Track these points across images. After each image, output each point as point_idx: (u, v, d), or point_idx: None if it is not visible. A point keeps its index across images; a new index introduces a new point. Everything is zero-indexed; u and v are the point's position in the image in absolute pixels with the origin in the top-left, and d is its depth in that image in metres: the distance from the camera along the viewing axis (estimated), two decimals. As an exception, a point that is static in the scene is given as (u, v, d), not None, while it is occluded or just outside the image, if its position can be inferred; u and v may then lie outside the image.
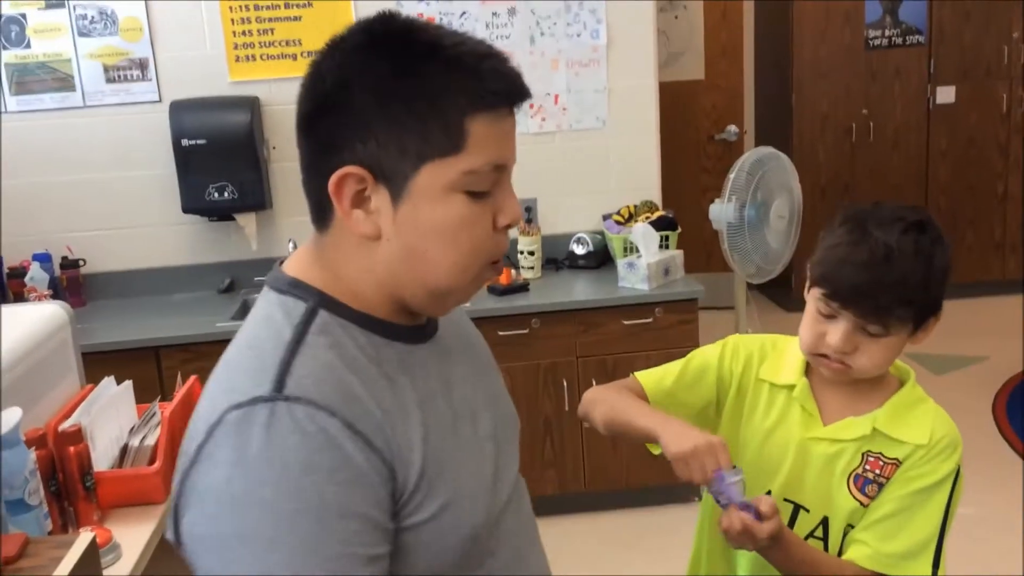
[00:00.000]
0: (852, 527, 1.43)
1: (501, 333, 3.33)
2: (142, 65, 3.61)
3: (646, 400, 1.53)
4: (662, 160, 3.96)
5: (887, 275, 1.31)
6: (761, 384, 1.52)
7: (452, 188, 0.96)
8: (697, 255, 4.55)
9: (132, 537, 1.74)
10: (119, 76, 3.62)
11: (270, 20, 3.62)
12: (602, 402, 1.54)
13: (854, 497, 1.42)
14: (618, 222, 3.74)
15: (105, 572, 1.58)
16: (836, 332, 1.36)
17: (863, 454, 1.42)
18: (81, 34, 3.57)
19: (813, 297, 1.40)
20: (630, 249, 3.59)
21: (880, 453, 1.41)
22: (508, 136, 1.00)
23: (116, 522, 1.79)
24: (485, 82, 0.96)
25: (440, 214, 0.97)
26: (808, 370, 1.49)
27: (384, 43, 0.96)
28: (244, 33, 3.62)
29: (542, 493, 3.40)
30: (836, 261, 1.35)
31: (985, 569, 3.06)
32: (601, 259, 3.77)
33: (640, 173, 3.90)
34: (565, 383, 3.43)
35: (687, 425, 1.37)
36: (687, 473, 1.32)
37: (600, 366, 3.43)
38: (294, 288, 1.02)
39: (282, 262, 1.07)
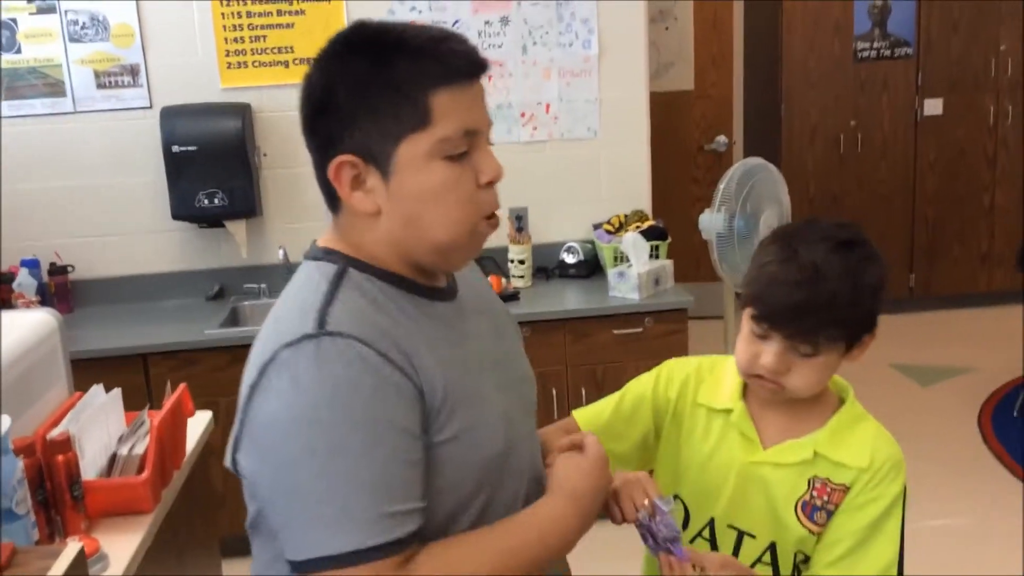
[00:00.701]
0: (803, 554, 1.41)
1: (491, 342, 3.33)
2: (133, 71, 3.61)
3: None
4: (653, 170, 3.98)
5: (814, 296, 1.29)
6: (698, 408, 1.50)
7: (430, 156, 1.11)
8: (687, 265, 4.55)
9: (120, 547, 1.73)
10: (110, 82, 3.61)
11: (262, 27, 3.62)
12: None
13: (803, 525, 1.39)
14: (608, 231, 3.74)
15: (93, 582, 1.57)
16: (769, 353, 1.34)
17: (809, 480, 1.39)
18: (72, 39, 3.56)
19: (746, 317, 1.38)
20: (620, 258, 3.60)
21: (827, 479, 1.39)
22: (474, 103, 1.14)
23: (104, 531, 1.78)
24: (442, 61, 1.11)
25: (424, 180, 1.12)
26: (746, 393, 1.47)
27: (358, 46, 1.13)
28: (236, 40, 3.62)
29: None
30: (765, 282, 1.34)
31: (971, 580, 3.08)
32: (591, 268, 3.78)
33: (631, 183, 3.92)
34: (555, 392, 3.43)
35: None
36: (617, 511, 1.31)
37: (590, 375, 3.44)
38: (327, 255, 1.19)
39: (315, 241, 1.24)
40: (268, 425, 1.07)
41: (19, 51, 3.54)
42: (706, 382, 1.51)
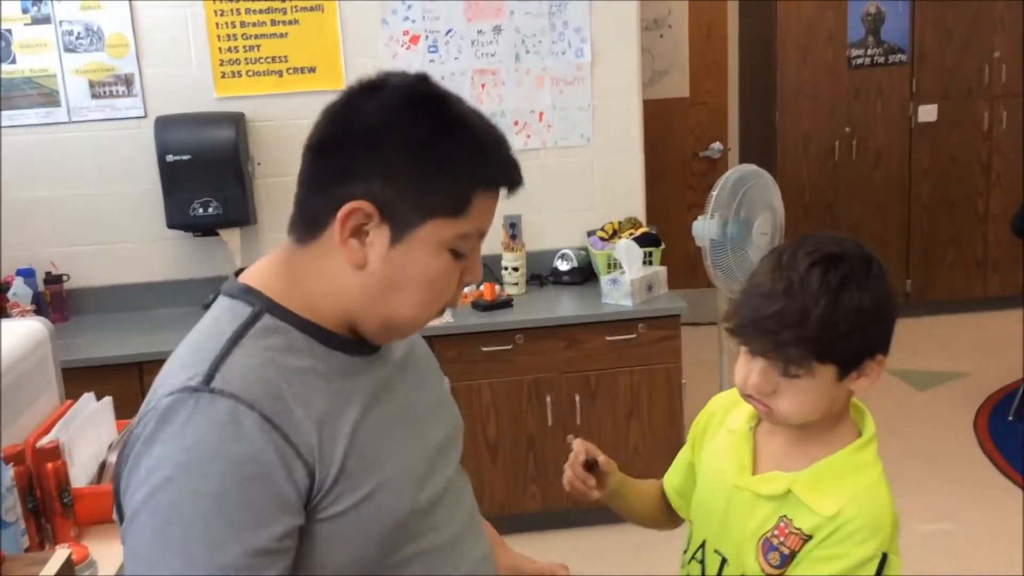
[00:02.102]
0: None
1: (485, 349, 3.34)
2: (127, 81, 3.62)
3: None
4: (647, 177, 3.99)
5: (784, 312, 1.22)
6: (722, 432, 1.47)
7: (444, 245, 1.10)
8: (682, 271, 4.57)
9: (109, 554, 1.73)
10: (104, 92, 3.62)
11: (256, 37, 3.63)
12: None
13: (758, 561, 1.32)
14: (602, 238, 3.75)
15: (82, 589, 1.58)
16: (755, 371, 1.28)
17: (780, 517, 1.31)
18: (67, 50, 3.58)
19: None
20: (614, 265, 3.61)
21: (790, 520, 1.30)
22: (494, 210, 1.15)
23: (94, 539, 1.79)
24: (495, 165, 1.12)
25: (427, 264, 1.10)
26: (759, 417, 1.40)
27: (425, 104, 1.09)
28: (230, 49, 3.63)
29: (525, 509, 3.40)
30: (744, 295, 1.29)
31: (965, 585, 3.08)
32: (585, 275, 3.79)
33: (624, 190, 3.93)
34: (549, 399, 3.43)
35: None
36: None
37: (583, 382, 3.44)
38: (244, 294, 1.12)
39: (239, 272, 1.19)
40: (132, 476, 1.02)
41: (14, 61, 3.55)
42: (736, 408, 1.47)
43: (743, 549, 1.35)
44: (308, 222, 1.10)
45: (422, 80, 1.11)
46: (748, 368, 1.30)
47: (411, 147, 1.06)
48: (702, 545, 1.43)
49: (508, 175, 1.13)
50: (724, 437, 1.46)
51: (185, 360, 1.06)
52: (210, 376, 1.02)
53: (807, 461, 1.33)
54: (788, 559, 1.30)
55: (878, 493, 1.31)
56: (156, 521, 0.98)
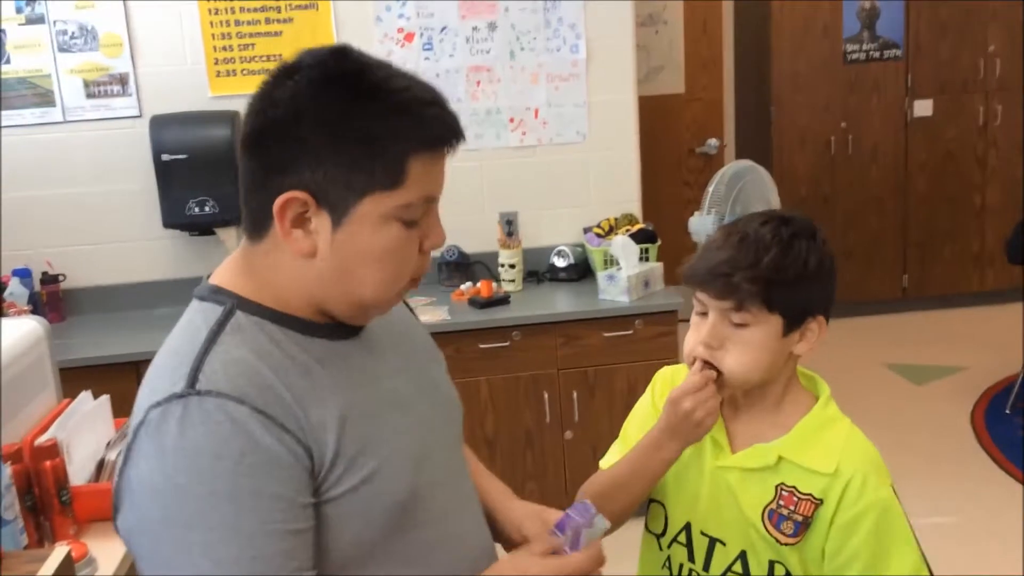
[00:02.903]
0: (778, 563, 1.36)
1: (482, 346, 3.34)
2: (122, 80, 3.62)
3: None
4: (643, 173, 3.99)
5: (739, 255, 1.31)
6: None
7: (388, 217, 1.06)
8: (678, 267, 4.57)
9: (108, 551, 1.74)
10: (99, 91, 3.62)
11: (250, 35, 3.63)
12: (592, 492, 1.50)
13: (770, 533, 1.35)
14: (598, 235, 3.76)
15: (80, 586, 1.58)
16: (704, 326, 1.35)
17: (776, 487, 1.35)
18: (61, 50, 3.57)
19: (694, 303, 1.40)
20: (610, 262, 3.61)
21: (794, 488, 1.34)
22: (441, 172, 1.11)
23: (93, 536, 1.79)
24: (427, 127, 1.07)
25: (375, 240, 1.06)
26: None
27: (338, 80, 1.04)
28: (224, 48, 3.63)
29: (524, 505, 3.40)
30: (699, 254, 1.38)
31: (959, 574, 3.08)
32: (582, 272, 3.79)
33: (620, 186, 3.93)
34: (546, 395, 3.44)
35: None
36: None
37: (581, 378, 3.45)
38: (214, 294, 1.12)
39: (210, 275, 1.17)
40: (135, 491, 1.01)
41: (8, 61, 3.55)
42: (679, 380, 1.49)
43: (742, 527, 1.38)
44: (253, 220, 1.09)
45: (336, 55, 1.06)
46: (697, 330, 1.36)
47: (329, 127, 1.02)
48: (686, 528, 1.44)
49: (440, 135, 1.08)
50: None
51: (164, 368, 1.06)
52: (193, 379, 1.01)
53: (782, 429, 1.39)
54: (803, 525, 1.34)
55: (859, 439, 1.39)
56: (176, 530, 0.98)
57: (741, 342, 1.33)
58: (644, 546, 1.54)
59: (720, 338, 1.33)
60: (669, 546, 1.47)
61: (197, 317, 1.10)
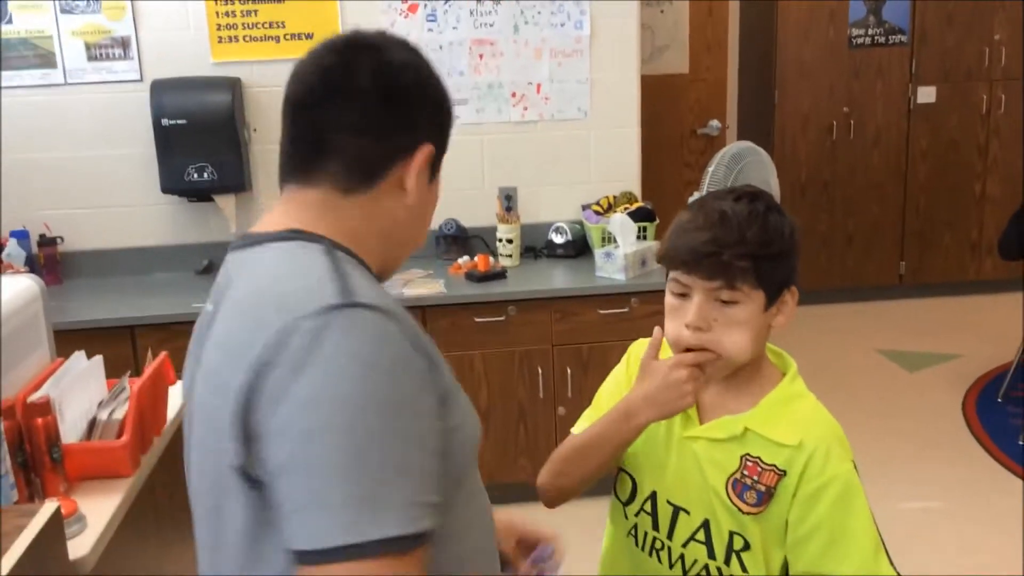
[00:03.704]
0: (743, 539, 1.38)
1: (477, 320, 3.34)
2: (124, 44, 3.60)
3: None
4: (644, 152, 3.99)
5: (724, 234, 1.31)
6: None
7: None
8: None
9: (98, 509, 1.75)
10: (101, 54, 3.61)
11: (254, 1, 3.61)
12: (554, 470, 1.51)
13: (732, 503, 1.37)
14: (597, 212, 3.76)
15: (69, 542, 1.59)
16: (691, 308, 1.33)
17: (741, 457, 1.37)
18: (64, 11, 3.56)
19: (668, 287, 1.38)
20: (608, 239, 3.61)
21: (758, 458, 1.36)
22: None
23: (83, 494, 1.80)
24: (452, 118, 1.24)
25: (436, 194, 1.23)
26: None
27: (427, 63, 1.20)
28: (227, 14, 3.61)
29: (515, 480, 3.42)
30: (676, 235, 1.36)
31: (953, 562, 3.10)
32: (579, 248, 3.79)
33: (620, 164, 3.93)
34: (540, 371, 3.45)
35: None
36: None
37: (575, 354, 3.46)
38: (297, 235, 1.12)
39: (243, 236, 1.18)
40: (296, 402, 0.96)
41: (10, 21, 3.53)
42: (662, 356, 1.50)
43: (706, 496, 1.40)
44: (368, 169, 1.14)
45: (396, 37, 1.20)
46: (681, 315, 1.36)
47: (437, 100, 1.19)
48: (651, 497, 1.46)
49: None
50: None
51: (297, 287, 1.04)
52: (348, 293, 1.01)
53: (750, 402, 1.40)
54: (765, 495, 1.35)
55: (823, 414, 1.41)
56: (354, 437, 0.96)
57: (731, 322, 1.33)
58: (611, 514, 1.56)
59: (708, 320, 1.33)
60: (636, 514, 1.49)
61: (297, 251, 1.10)
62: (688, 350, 1.36)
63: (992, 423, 4.15)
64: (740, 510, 1.37)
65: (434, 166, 1.19)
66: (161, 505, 2.08)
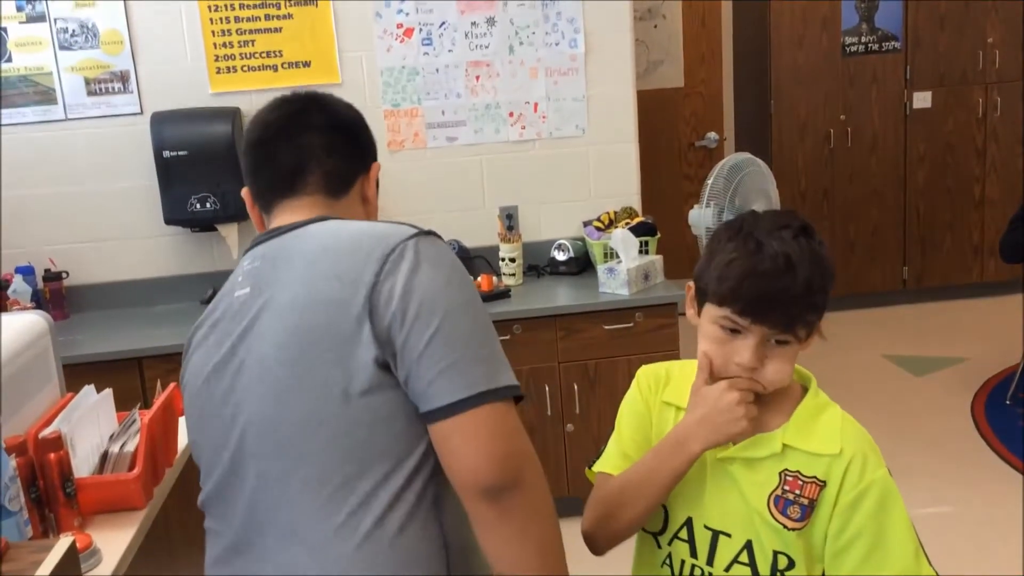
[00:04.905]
0: (788, 558, 1.36)
1: (483, 339, 3.34)
2: (123, 78, 3.63)
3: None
4: (644, 167, 4.00)
5: (793, 284, 1.30)
6: (667, 408, 1.48)
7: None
8: (680, 261, 4.59)
9: (113, 542, 1.75)
10: (100, 89, 3.64)
11: (250, 32, 3.64)
12: (602, 514, 1.48)
13: (776, 520, 1.36)
14: (598, 228, 3.77)
15: (85, 576, 1.60)
16: (745, 349, 1.33)
17: (780, 474, 1.37)
18: (62, 47, 3.59)
19: (712, 317, 1.36)
20: (610, 255, 3.63)
21: (798, 472, 1.36)
22: None
23: (97, 528, 1.81)
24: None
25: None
26: None
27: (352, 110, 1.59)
28: (225, 45, 3.64)
29: (526, 498, 3.40)
30: (739, 276, 1.32)
31: (964, 566, 3.09)
32: (582, 265, 3.81)
33: (620, 180, 3.94)
34: (547, 388, 3.45)
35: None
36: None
37: (581, 371, 3.46)
38: (328, 219, 1.43)
39: (270, 231, 1.44)
40: (420, 288, 1.25)
41: (10, 59, 3.57)
42: (674, 381, 1.50)
43: (748, 517, 1.38)
44: (341, 181, 1.49)
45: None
46: (727, 349, 1.35)
47: (369, 131, 1.57)
48: (687, 523, 1.43)
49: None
50: (673, 414, 1.47)
51: (379, 229, 1.34)
52: (417, 227, 1.34)
53: (780, 417, 1.40)
54: (809, 508, 1.35)
55: (853, 422, 1.42)
56: (476, 311, 1.29)
57: (781, 356, 1.34)
58: (640, 546, 1.52)
59: (762, 358, 1.34)
60: (670, 543, 1.46)
61: (345, 220, 1.44)
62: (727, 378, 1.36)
63: (1001, 425, 4.15)
64: (785, 526, 1.35)
65: (373, 172, 1.55)
66: (175, 536, 2.09)
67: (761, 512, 1.37)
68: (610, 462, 1.50)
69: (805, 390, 1.44)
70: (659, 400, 1.49)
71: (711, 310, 1.36)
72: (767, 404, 1.40)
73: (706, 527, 1.42)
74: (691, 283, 1.43)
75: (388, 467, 1.26)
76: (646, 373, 1.54)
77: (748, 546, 1.39)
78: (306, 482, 1.27)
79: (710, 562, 1.42)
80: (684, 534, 1.44)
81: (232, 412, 1.33)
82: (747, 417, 1.35)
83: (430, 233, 1.33)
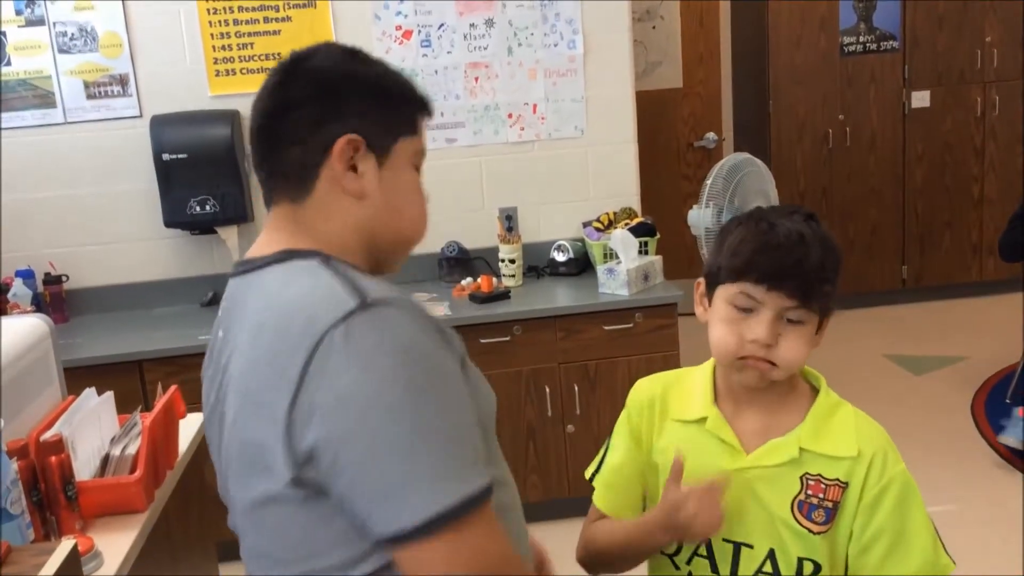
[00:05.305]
0: (807, 559, 1.36)
1: (483, 341, 3.35)
2: (122, 81, 3.64)
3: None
4: (643, 168, 4.01)
5: (807, 256, 1.31)
6: (671, 424, 1.46)
7: (410, 161, 1.25)
8: (679, 261, 4.59)
9: (114, 545, 1.76)
10: (100, 92, 3.64)
11: (249, 34, 3.65)
12: (594, 553, 1.51)
13: (802, 525, 1.35)
14: (598, 229, 3.77)
15: (87, 579, 1.60)
16: (760, 324, 1.32)
17: (801, 478, 1.36)
18: (61, 51, 3.59)
19: (726, 297, 1.36)
20: (610, 255, 3.63)
21: (819, 475, 1.35)
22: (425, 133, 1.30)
23: (98, 531, 1.81)
24: (421, 93, 1.27)
25: (408, 179, 1.24)
26: (717, 398, 1.44)
27: (357, 54, 1.24)
28: (224, 47, 3.65)
29: (526, 500, 3.38)
30: (754, 249, 1.33)
31: (963, 564, 3.09)
32: (582, 266, 3.81)
33: (619, 180, 3.95)
34: (548, 389, 3.46)
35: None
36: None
37: (582, 372, 3.46)
38: (290, 255, 1.17)
39: (240, 263, 1.24)
40: (342, 402, 1.02)
41: (9, 63, 3.57)
42: (673, 397, 1.48)
43: (770, 525, 1.36)
44: (298, 178, 1.19)
45: (347, 47, 1.25)
46: (741, 329, 1.34)
47: (370, 82, 1.21)
48: (705, 540, 1.41)
49: (430, 102, 1.28)
50: (681, 429, 1.45)
51: (312, 302, 1.08)
52: (362, 296, 1.07)
53: (792, 420, 1.39)
54: (833, 511, 1.35)
55: (867, 420, 1.42)
56: (405, 417, 1.02)
57: (795, 336, 1.34)
58: (654, 568, 1.50)
59: (776, 335, 1.33)
60: (688, 562, 1.44)
61: (297, 267, 1.15)
62: (741, 359, 1.35)
63: (1001, 424, 4.14)
64: (811, 531, 1.35)
65: (381, 151, 1.20)
66: (176, 538, 2.09)
67: (785, 519, 1.36)
68: (600, 493, 1.52)
69: (815, 391, 1.43)
70: (659, 421, 1.48)
71: (724, 291, 1.36)
72: (776, 407, 1.40)
73: (726, 540, 1.40)
74: (699, 280, 1.43)
75: (331, 561, 1.10)
76: (638, 396, 1.52)
77: (771, 555, 1.38)
78: (252, 553, 1.20)
79: (734, 574, 1.40)
80: (703, 550, 1.42)
81: (223, 466, 1.24)
82: (712, 526, 1.32)
83: (372, 305, 1.06)
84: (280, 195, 1.21)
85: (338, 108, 1.18)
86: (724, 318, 1.36)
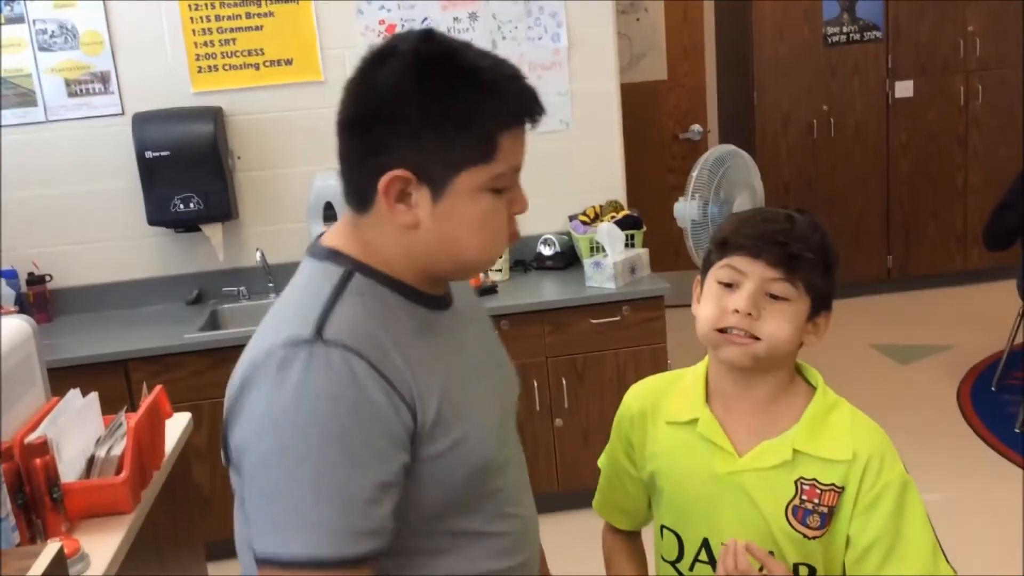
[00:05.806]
0: (803, 564, 1.34)
1: (470, 336, 3.34)
2: (104, 78, 3.61)
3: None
4: (628, 161, 4.01)
5: (792, 229, 1.33)
6: (663, 428, 1.44)
7: (482, 189, 1.15)
8: (665, 253, 4.59)
9: (101, 546, 1.75)
10: (81, 90, 3.61)
11: (231, 30, 3.62)
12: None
13: (796, 530, 1.32)
14: (584, 222, 3.77)
15: (74, 582, 1.59)
16: (741, 295, 1.31)
17: (796, 482, 1.33)
18: (42, 49, 3.56)
19: (714, 276, 1.35)
20: (596, 249, 3.63)
21: (814, 480, 1.32)
22: (524, 142, 1.18)
23: (85, 532, 1.80)
24: (514, 103, 1.14)
25: (472, 210, 1.15)
26: (709, 399, 1.41)
27: (432, 64, 1.13)
28: (206, 44, 3.62)
29: (516, 493, 3.41)
30: (742, 221, 1.36)
31: (952, 552, 3.10)
32: (568, 259, 3.81)
33: (604, 174, 3.94)
34: (535, 383, 3.45)
35: None
36: None
37: (569, 365, 3.46)
38: (331, 256, 1.19)
39: (321, 236, 1.25)
40: (252, 420, 1.09)
41: (-12, 62, 3.54)
42: (666, 400, 1.46)
43: (765, 529, 1.34)
44: (357, 196, 1.17)
45: (426, 39, 1.14)
46: (724, 302, 1.33)
47: (427, 109, 1.11)
48: (704, 545, 1.39)
49: (526, 109, 1.15)
50: (674, 432, 1.43)
51: (287, 316, 1.14)
52: (320, 328, 1.09)
53: (787, 421, 1.36)
54: (828, 516, 1.32)
55: (864, 420, 1.39)
56: (288, 462, 1.06)
57: (778, 312, 1.32)
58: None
59: (759, 308, 1.31)
60: (691, 568, 1.42)
61: (318, 275, 1.18)
62: (722, 331, 1.32)
63: (987, 412, 4.17)
64: (806, 536, 1.32)
65: (437, 183, 1.13)
66: (164, 539, 2.08)
67: (779, 523, 1.33)
68: (601, 498, 1.58)
69: (813, 389, 1.40)
70: (651, 426, 1.46)
71: (712, 272, 1.36)
72: (770, 407, 1.37)
73: (724, 544, 1.35)
74: (698, 276, 1.42)
75: None
76: (628, 406, 1.51)
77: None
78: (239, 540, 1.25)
79: None
80: (704, 556, 1.40)
81: None
82: None
83: (323, 343, 1.08)
84: (348, 199, 1.21)
85: (392, 137, 1.12)
86: (710, 295, 1.35)
